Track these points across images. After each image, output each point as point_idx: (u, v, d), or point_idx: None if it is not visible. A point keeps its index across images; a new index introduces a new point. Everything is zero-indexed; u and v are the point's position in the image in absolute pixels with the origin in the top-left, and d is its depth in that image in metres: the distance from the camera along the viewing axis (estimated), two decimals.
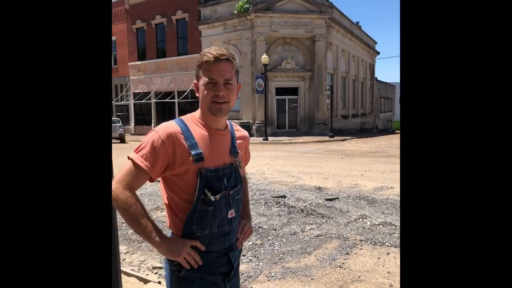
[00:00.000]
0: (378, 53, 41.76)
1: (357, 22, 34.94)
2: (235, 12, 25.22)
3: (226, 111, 1.51)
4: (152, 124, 30.62)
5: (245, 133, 1.73)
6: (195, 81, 1.55)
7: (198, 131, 1.50)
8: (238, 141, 1.64)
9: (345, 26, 30.19)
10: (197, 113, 1.56)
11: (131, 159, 1.44)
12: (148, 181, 1.48)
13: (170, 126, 1.47)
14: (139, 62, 31.14)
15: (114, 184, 1.42)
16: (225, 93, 1.47)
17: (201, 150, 1.46)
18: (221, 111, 1.49)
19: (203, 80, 1.47)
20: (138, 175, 1.43)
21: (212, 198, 1.47)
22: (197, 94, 1.54)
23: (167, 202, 1.54)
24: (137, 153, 1.44)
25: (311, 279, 3.64)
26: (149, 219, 1.44)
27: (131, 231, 4.52)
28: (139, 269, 4.13)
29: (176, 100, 28.33)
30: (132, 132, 31.75)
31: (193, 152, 1.44)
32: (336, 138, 22.79)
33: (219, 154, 1.53)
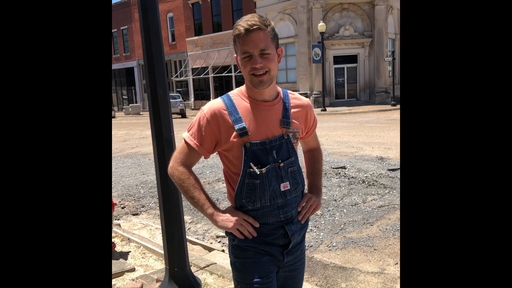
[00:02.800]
0: None
1: None
2: None
3: (268, 81, 1.45)
4: (211, 99, 31.11)
5: (304, 101, 1.63)
6: (235, 56, 1.50)
7: (243, 105, 1.49)
8: (294, 110, 1.57)
9: None
10: (244, 86, 1.54)
11: (184, 138, 1.53)
12: (203, 158, 1.55)
13: (215, 103, 1.50)
14: (196, 37, 31.55)
15: (171, 162, 1.54)
16: (263, 63, 1.41)
17: (244, 125, 1.45)
18: (263, 83, 1.44)
19: (239, 54, 1.44)
20: (189, 153, 1.52)
21: (258, 171, 1.46)
22: (239, 69, 1.51)
23: (224, 175, 1.60)
24: (188, 132, 1.52)
25: (374, 250, 3.58)
26: (202, 192, 1.51)
27: None
28: (204, 237, 4.30)
29: (233, 73, 28.53)
30: (192, 107, 32.59)
31: (237, 127, 1.45)
32: (398, 106, 21.84)
33: (266, 126, 1.49)
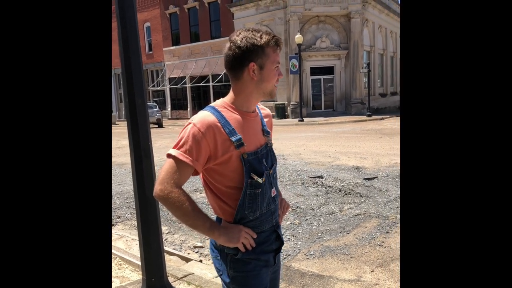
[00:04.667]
0: None
1: None
2: None
3: None
4: (188, 108, 31.04)
5: (268, 111, 1.74)
6: (252, 63, 1.45)
7: (233, 117, 1.49)
8: (265, 119, 1.65)
9: (382, 1, 29.11)
10: (228, 98, 1.53)
11: (174, 156, 1.41)
12: (192, 175, 1.47)
13: (207, 116, 1.44)
14: (173, 47, 31.46)
15: (161, 185, 1.41)
16: None
17: (240, 136, 1.45)
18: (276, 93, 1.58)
19: (273, 62, 1.48)
20: (183, 171, 1.41)
21: (260, 180, 1.49)
22: (249, 77, 1.47)
23: (211, 191, 1.55)
24: (178, 149, 1.41)
25: (350, 257, 3.63)
26: (201, 213, 1.45)
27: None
28: (181, 248, 4.26)
29: (210, 83, 28.52)
30: (169, 117, 32.35)
31: (233, 139, 1.43)
32: (374, 117, 22.27)
33: (255, 136, 1.55)
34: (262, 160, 1.53)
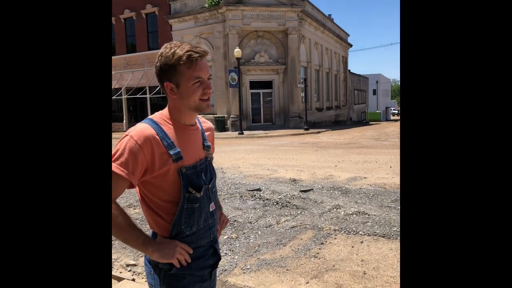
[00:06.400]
0: (351, 45, 42.25)
1: (329, 15, 35.20)
2: (206, 5, 24.98)
3: (210, 105, 1.53)
4: (124, 120, 30.08)
5: (210, 124, 1.72)
6: (167, 82, 1.44)
7: (171, 130, 1.46)
8: (207, 133, 1.64)
9: (318, 19, 30.38)
10: (166, 111, 1.51)
11: None
12: (127, 188, 1.42)
13: (145, 129, 1.41)
14: None
15: None
16: (210, 88, 1.50)
17: (179, 149, 1.43)
18: (209, 107, 1.50)
19: (188, 79, 1.41)
20: (117, 185, 1.36)
21: (198, 195, 1.47)
22: (169, 95, 1.47)
23: (146, 205, 1.49)
24: (113, 162, 1.36)
25: (286, 270, 3.66)
26: (136, 227, 1.40)
27: None
28: (112, 266, 4.05)
29: (148, 95, 27.92)
30: None
31: (171, 152, 1.41)
32: (311, 130, 22.98)
33: (195, 150, 1.52)
34: (201, 174, 1.51)
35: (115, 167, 1.35)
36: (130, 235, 1.38)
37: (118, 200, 1.43)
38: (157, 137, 1.40)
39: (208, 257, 1.57)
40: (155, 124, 1.44)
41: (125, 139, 1.38)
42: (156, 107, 25.68)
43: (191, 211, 1.47)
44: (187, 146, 1.48)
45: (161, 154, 1.40)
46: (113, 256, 4.29)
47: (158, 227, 1.50)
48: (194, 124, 1.55)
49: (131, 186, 1.41)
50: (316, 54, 30.92)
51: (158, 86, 26.10)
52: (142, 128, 1.41)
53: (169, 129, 1.45)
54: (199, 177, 1.50)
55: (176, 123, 1.49)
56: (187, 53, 1.39)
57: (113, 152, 1.38)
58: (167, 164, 1.41)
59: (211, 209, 1.56)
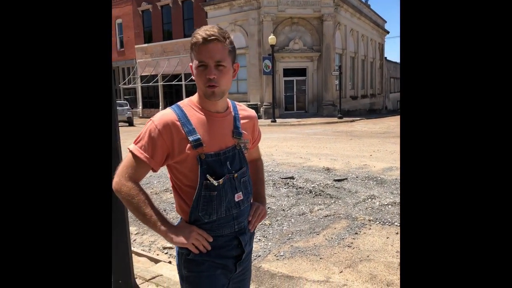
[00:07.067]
0: (388, 32, 41.02)
1: (366, 1, 34.26)
2: None
3: (219, 94, 1.43)
4: (160, 107, 30.63)
5: (251, 112, 1.66)
6: (190, 64, 1.46)
7: (196, 116, 1.45)
8: (243, 121, 1.59)
9: (354, 5, 29.64)
10: (195, 97, 1.51)
11: (131, 151, 1.42)
12: (151, 171, 1.45)
13: (166, 114, 1.43)
14: (146, 45, 30.99)
15: (116, 177, 1.42)
16: (216, 76, 1.39)
17: (199, 136, 1.42)
18: (214, 95, 1.42)
19: (194, 63, 1.40)
20: (138, 167, 1.41)
21: (215, 183, 1.45)
22: (193, 78, 1.46)
23: (174, 189, 1.53)
24: (136, 144, 1.42)
25: (320, 258, 3.67)
26: (153, 208, 1.42)
27: None
28: (150, 249, 4.19)
29: (183, 82, 28.26)
30: (140, 115, 31.83)
31: (191, 138, 1.40)
32: (345, 119, 22.65)
33: (220, 137, 1.49)
34: (225, 162, 1.48)
35: (135, 149, 1.40)
36: (143, 215, 1.40)
37: (142, 182, 1.45)
38: (177, 123, 1.41)
39: (231, 248, 1.54)
40: (180, 109, 1.45)
41: (148, 123, 1.42)
42: (191, 94, 25.83)
43: (209, 198, 1.46)
44: (210, 133, 1.46)
45: (180, 140, 1.40)
46: (150, 239, 4.43)
47: (182, 211, 1.52)
48: (221, 111, 1.52)
49: (154, 169, 1.44)
50: (351, 41, 30.26)
51: None
52: (165, 114, 1.43)
53: (193, 115, 1.45)
54: (222, 165, 1.47)
55: (202, 109, 1.48)
56: (193, 36, 1.40)
57: (137, 135, 1.44)
58: (186, 150, 1.41)
59: (236, 199, 1.52)
